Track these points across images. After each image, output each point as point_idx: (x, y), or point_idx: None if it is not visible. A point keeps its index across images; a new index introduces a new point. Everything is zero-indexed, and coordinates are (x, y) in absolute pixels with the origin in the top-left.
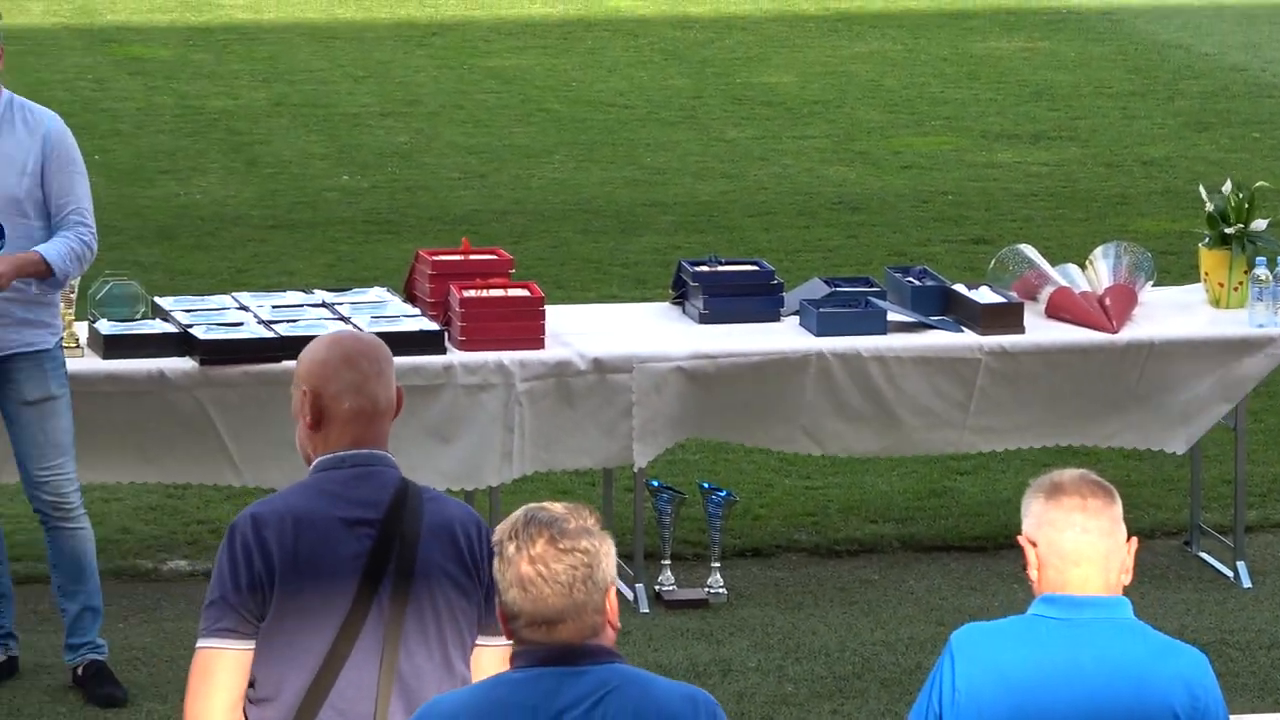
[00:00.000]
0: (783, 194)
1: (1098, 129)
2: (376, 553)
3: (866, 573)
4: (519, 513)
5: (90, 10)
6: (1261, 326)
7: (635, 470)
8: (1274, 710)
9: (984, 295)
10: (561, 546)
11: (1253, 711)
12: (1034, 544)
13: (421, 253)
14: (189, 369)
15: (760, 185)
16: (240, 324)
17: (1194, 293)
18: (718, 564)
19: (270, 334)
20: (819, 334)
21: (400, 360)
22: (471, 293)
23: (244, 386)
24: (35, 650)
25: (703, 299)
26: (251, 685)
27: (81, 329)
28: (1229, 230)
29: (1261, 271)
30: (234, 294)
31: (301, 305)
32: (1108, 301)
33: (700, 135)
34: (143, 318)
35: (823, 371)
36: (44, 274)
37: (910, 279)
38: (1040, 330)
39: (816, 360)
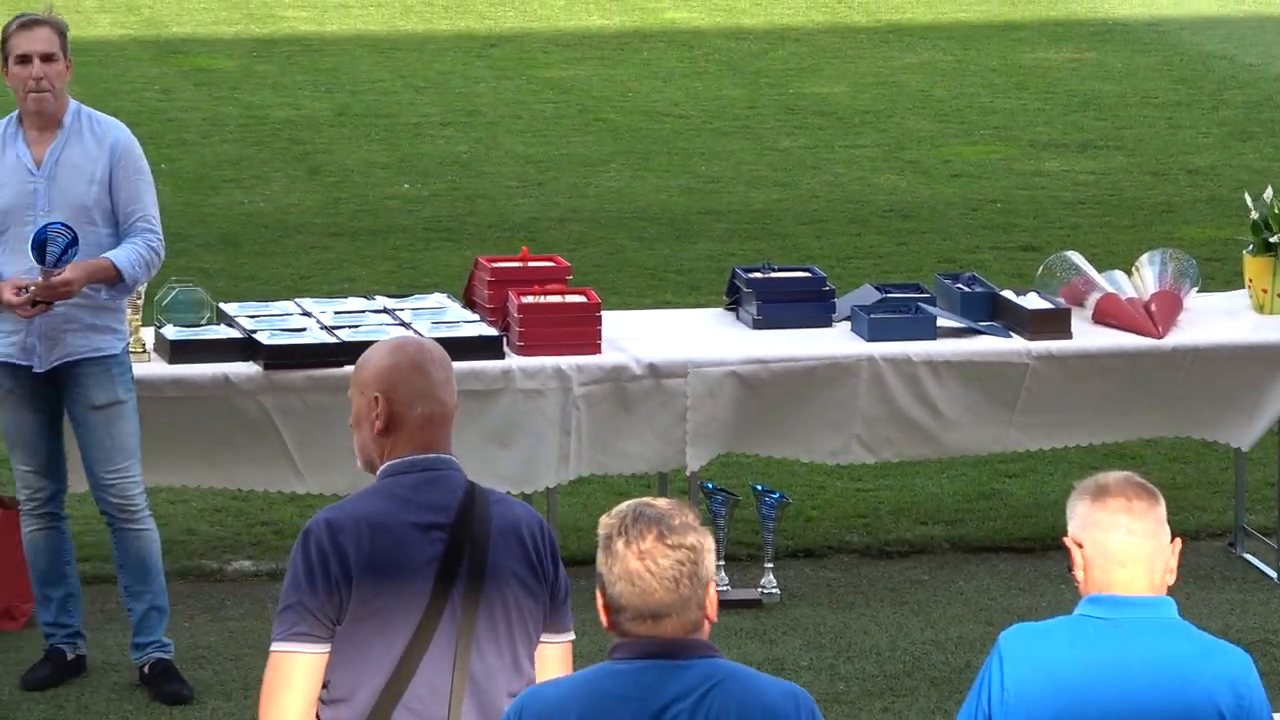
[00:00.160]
0: (834, 202)
1: (1144, 138)
2: (449, 556)
3: (917, 573)
4: (625, 508)
5: (157, 23)
6: None
7: (687, 474)
8: None
9: (1032, 301)
10: (669, 542)
11: None
12: (1080, 545)
13: (481, 259)
14: (253, 373)
15: (813, 193)
16: (303, 329)
17: (1238, 299)
18: (771, 564)
19: (332, 339)
20: (870, 339)
21: (459, 365)
22: (529, 299)
23: (307, 392)
24: (103, 649)
25: (756, 305)
26: (325, 686)
27: (148, 334)
28: (1272, 238)
29: None
30: (297, 300)
31: (363, 311)
32: (1153, 307)
33: (754, 144)
34: (208, 323)
35: (874, 376)
36: (114, 280)
37: (960, 285)
38: (1087, 336)
39: (868, 365)
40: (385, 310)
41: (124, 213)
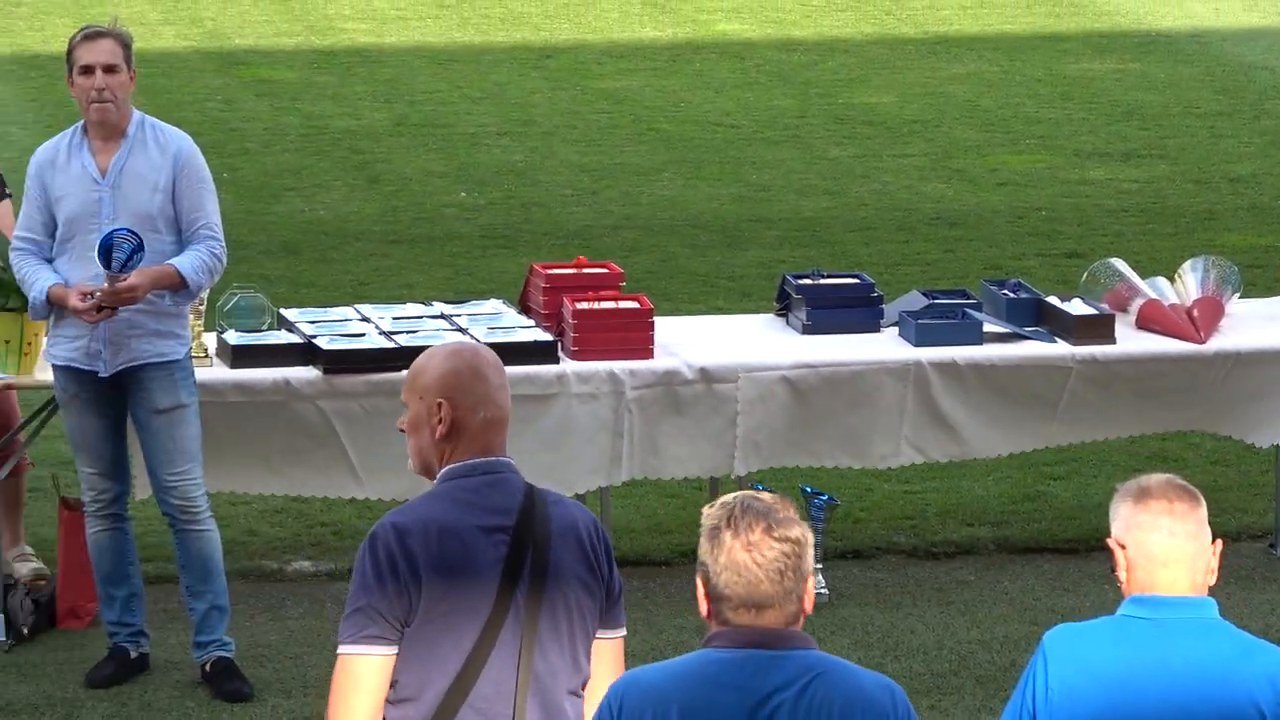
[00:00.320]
0: (883, 210)
1: (1186, 147)
2: (512, 557)
3: (963, 574)
4: (732, 500)
5: (219, 35)
6: None
7: (734, 478)
8: None
9: (1076, 307)
10: (776, 535)
11: None
12: (1123, 546)
13: (536, 266)
14: (313, 378)
15: (861, 202)
16: (362, 335)
17: (1279, 304)
18: (819, 565)
19: (391, 344)
20: (918, 344)
21: (515, 370)
22: (584, 305)
23: (365, 396)
24: (165, 647)
25: (806, 311)
26: (392, 686)
27: (210, 339)
28: None
29: None
30: (356, 306)
31: (421, 317)
32: (1195, 313)
33: (804, 153)
34: (269, 329)
35: (921, 380)
36: (178, 286)
37: (1005, 291)
38: (1130, 341)
39: (915, 370)
40: (442, 316)
41: (187, 220)
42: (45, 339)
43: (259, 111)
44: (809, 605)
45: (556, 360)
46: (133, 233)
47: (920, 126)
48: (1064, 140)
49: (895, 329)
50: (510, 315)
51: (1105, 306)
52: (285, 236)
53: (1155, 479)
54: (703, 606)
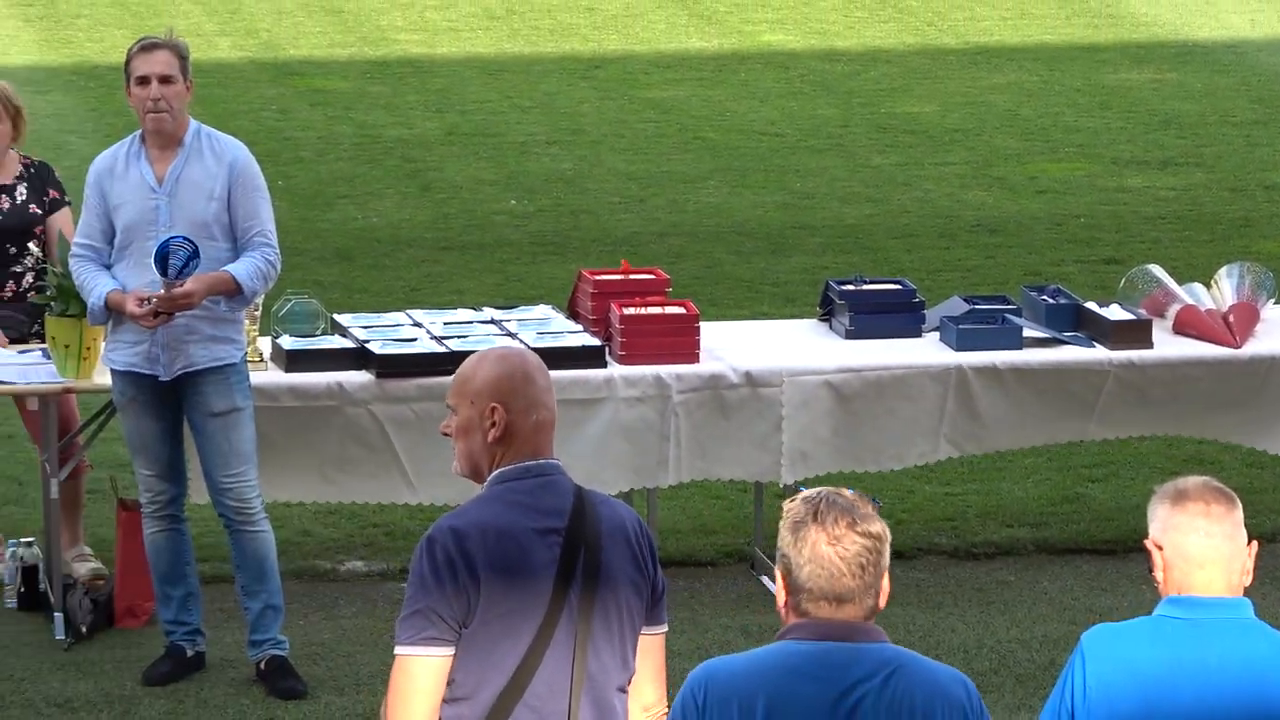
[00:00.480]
0: (924, 217)
1: (1222, 155)
2: (565, 559)
3: (1003, 574)
4: (815, 494)
5: (274, 46)
6: None
7: (783, 486)
8: None
9: (1114, 313)
10: (859, 530)
11: None
12: (1160, 547)
13: (584, 272)
14: (365, 382)
15: (903, 209)
16: (414, 339)
17: None
18: None
19: (442, 349)
20: (958, 349)
21: (563, 374)
22: (631, 310)
23: (417, 400)
24: (221, 646)
25: (849, 316)
26: (448, 685)
27: (265, 344)
28: None
29: None
30: (408, 311)
31: (471, 322)
32: (1231, 319)
33: (847, 162)
34: (322, 334)
35: (961, 384)
36: (233, 292)
37: (1045, 297)
38: (1168, 345)
39: (956, 374)
40: (492, 321)
41: (242, 228)
42: (104, 344)
43: (313, 121)
44: (884, 601)
45: (604, 364)
46: (189, 240)
47: (961, 135)
48: (1102, 149)
49: (936, 334)
50: (559, 320)
51: (1143, 312)
52: (338, 243)
53: (1192, 481)
54: (780, 598)
